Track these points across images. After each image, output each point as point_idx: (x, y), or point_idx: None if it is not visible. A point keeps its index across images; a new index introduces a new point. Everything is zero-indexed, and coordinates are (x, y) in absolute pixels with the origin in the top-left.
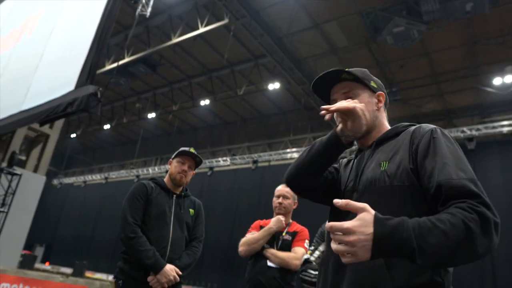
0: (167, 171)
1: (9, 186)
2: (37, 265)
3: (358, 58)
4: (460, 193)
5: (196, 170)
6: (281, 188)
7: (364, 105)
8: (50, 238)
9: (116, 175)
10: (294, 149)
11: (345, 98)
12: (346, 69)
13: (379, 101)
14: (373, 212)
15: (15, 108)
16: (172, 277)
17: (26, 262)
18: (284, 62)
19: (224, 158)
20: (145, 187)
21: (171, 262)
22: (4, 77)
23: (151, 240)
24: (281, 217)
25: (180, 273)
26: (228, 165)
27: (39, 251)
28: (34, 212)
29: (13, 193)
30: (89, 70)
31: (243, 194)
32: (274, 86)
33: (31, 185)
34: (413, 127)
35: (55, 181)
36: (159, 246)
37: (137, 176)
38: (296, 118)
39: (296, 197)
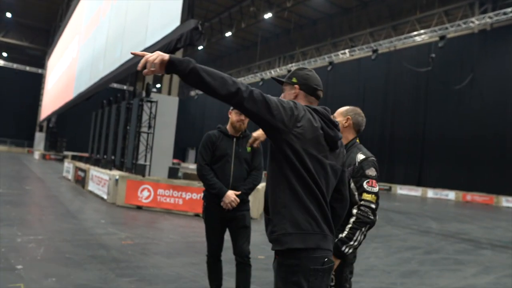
0: (289, 71)
1: (150, 112)
2: (191, 165)
3: None
4: None
5: (315, 66)
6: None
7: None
8: (199, 141)
9: (242, 80)
10: (422, 31)
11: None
12: (276, 77)
13: (295, 91)
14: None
15: (141, 46)
16: (232, 199)
17: (172, 173)
18: None
19: (343, 51)
20: (211, 137)
21: (234, 189)
22: (128, 17)
23: (218, 174)
24: None
25: (238, 193)
26: (348, 57)
27: (192, 153)
28: (174, 128)
29: (154, 117)
30: (188, 4)
31: (368, 85)
32: None
33: (168, 106)
34: None
35: (192, 93)
36: (224, 178)
37: (262, 79)
38: None
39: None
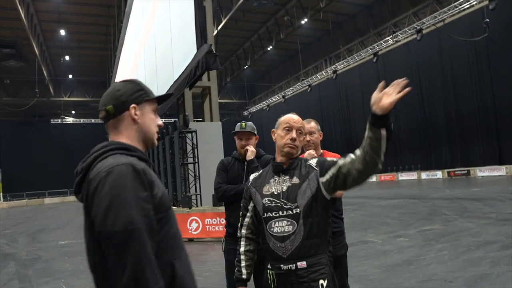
0: (334, 71)
1: (192, 142)
2: None
3: None
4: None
5: (362, 61)
6: (306, 125)
7: None
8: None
9: (291, 91)
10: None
11: None
12: None
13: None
14: None
15: (171, 80)
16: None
17: (216, 201)
18: None
19: (385, 39)
20: (223, 163)
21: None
22: (158, 55)
23: (232, 196)
24: (312, 151)
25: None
26: (393, 44)
27: None
28: (222, 152)
29: (196, 147)
30: (200, 30)
31: (422, 68)
32: None
33: (211, 133)
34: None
35: (245, 112)
36: (238, 199)
37: (309, 86)
38: None
39: (319, 129)
